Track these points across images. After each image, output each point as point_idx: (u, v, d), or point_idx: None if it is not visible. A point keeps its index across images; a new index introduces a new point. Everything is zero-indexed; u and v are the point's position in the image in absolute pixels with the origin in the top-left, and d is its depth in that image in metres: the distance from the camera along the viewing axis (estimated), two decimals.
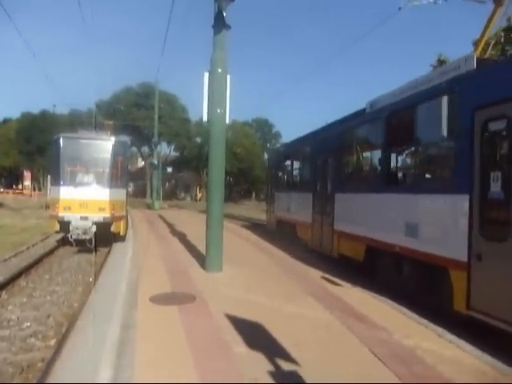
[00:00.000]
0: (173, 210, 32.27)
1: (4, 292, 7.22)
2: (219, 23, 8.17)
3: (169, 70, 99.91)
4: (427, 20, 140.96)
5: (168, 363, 3.80)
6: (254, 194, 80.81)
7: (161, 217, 22.75)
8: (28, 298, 7.09)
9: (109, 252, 10.91)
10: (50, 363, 4.09)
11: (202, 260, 8.58)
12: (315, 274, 8.21)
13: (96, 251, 11.28)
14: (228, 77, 8.30)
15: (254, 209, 44.14)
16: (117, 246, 11.43)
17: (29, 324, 5.75)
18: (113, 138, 12.58)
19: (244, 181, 73.52)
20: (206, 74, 8.25)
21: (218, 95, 8.13)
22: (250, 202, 71.98)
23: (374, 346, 4.32)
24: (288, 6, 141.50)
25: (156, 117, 35.23)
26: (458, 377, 3.59)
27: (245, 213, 33.27)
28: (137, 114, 52.85)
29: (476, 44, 18.43)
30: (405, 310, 5.76)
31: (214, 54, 8.24)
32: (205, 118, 8.37)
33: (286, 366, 3.76)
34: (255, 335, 4.53)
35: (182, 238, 12.99)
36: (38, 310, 6.43)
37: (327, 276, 7.97)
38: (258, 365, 3.75)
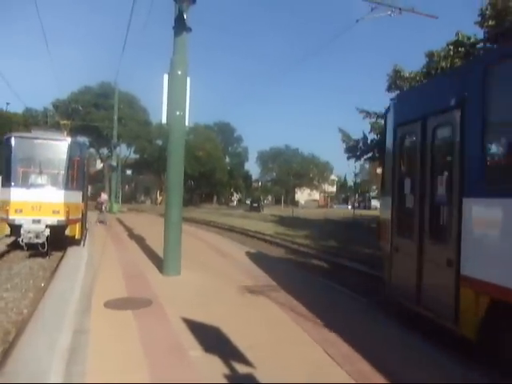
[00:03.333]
0: (131, 214, 31.70)
1: None
2: (180, 25, 8.13)
3: (130, 71, 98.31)
4: (386, 31, 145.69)
5: (122, 369, 3.72)
6: (215, 198, 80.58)
7: (119, 220, 22.30)
8: None
9: (63, 256, 10.55)
10: None
11: (159, 264, 8.46)
12: (274, 277, 8.26)
13: (49, 255, 10.88)
14: (188, 79, 8.27)
15: (215, 212, 44.04)
16: (72, 250, 11.08)
17: None
18: (69, 139, 12.21)
19: (206, 184, 73.16)
20: (166, 76, 8.18)
21: (177, 97, 8.08)
22: (211, 205, 71.74)
23: (326, 345, 4.40)
24: (253, 11, 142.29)
25: (115, 118, 34.45)
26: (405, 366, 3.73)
27: (205, 216, 33.13)
28: (96, 115, 51.53)
29: (428, 56, 19.36)
30: (358, 310, 5.91)
31: (174, 57, 8.19)
32: (164, 121, 8.28)
33: (240, 368, 3.77)
34: (211, 339, 4.51)
35: (140, 241, 12.76)
36: None
37: (285, 277, 8.07)
38: (214, 368, 3.74)
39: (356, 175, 71.30)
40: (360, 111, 22.77)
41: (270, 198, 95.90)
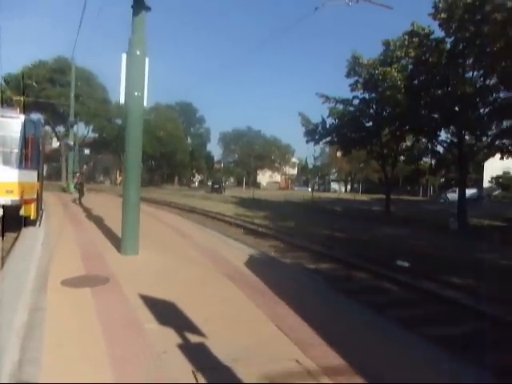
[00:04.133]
0: (90, 194, 30.87)
1: None
2: (138, 4, 8.05)
3: (88, 46, 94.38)
4: (348, 18, 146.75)
5: (78, 343, 3.87)
6: (176, 179, 79.82)
7: (76, 200, 21.81)
8: None
9: (18, 237, 10.36)
10: None
11: (118, 244, 8.50)
12: (231, 255, 8.54)
13: (3, 236, 10.65)
14: (147, 59, 8.23)
15: (176, 193, 43.80)
16: (27, 231, 10.88)
17: None
18: (22, 116, 11.82)
19: (167, 165, 72.27)
20: (124, 56, 8.09)
21: (136, 78, 8.03)
22: (172, 186, 71.06)
23: (277, 318, 4.72)
24: None
25: (72, 95, 33.29)
26: (340, 336, 4.11)
27: (165, 197, 32.98)
28: (51, 91, 49.33)
29: (385, 44, 19.93)
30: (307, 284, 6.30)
31: (133, 36, 8.11)
32: (122, 101, 8.21)
33: (194, 338, 4.02)
34: (167, 313, 4.72)
35: (99, 222, 12.68)
36: None
37: (242, 256, 8.38)
38: (168, 339, 3.96)
39: (316, 158, 72.65)
40: (320, 96, 23.25)
41: (232, 179, 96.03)
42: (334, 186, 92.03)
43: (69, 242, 9.26)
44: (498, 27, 13.34)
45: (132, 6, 8.13)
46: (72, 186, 31.13)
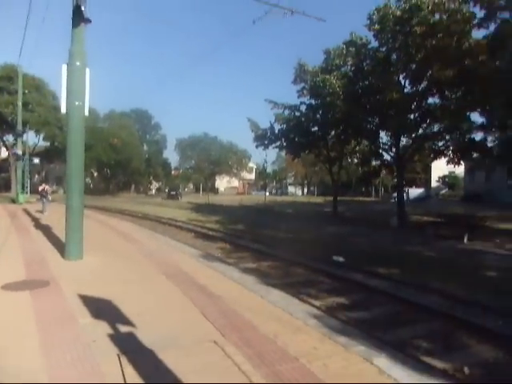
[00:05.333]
0: (40, 204, 30.23)
1: None
2: (77, 16, 8.33)
3: (37, 54, 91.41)
4: (293, 27, 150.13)
5: (11, 337, 4.19)
6: (133, 187, 78.67)
7: (25, 211, 21.44)
8: None
9: None
10: None
11: (63, 250, 8.71)
12: (176, 257, 8.93)
13: None
14: (87, 70, 8.51)
15: (131, 201, 43.37)
16: None
17: None
18: None
19: (122, 173, 71.12)
20: (64, 67, 8.35)
21: (76, 88, 8.31)
22: (128, 194, 70.08)
23: (206, 309, 5.20)
24: None
25: (19, 103, 32.30)
26: (259, 321, 4.65)
27: (120, 205, 32.72)
28: None
29: (326, 53, 20.99)
30: (240, 280, 6.83)
31: (72, 48, 8.37)
32: (63, 110, 8.47)
33: (124, 329, 4.42)
34: (103, 310, 5.08)
35: (46, 230, 12.70)
36: None
37: (187, 258, 8.81)
38: (99, 330, 4.34)
39: (273, 163, 73.71)
40: (269, 102, 24.03)
41: (191, 186, 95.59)
42: (291, 189, 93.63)
43: (13, 250, 9.33)
44: (419, 39, 14.57)
45: (72, 18, 8.42)
46: (21, 197, 30.29)
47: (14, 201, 31.57)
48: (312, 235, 15.68)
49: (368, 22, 17.73)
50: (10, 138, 54.45)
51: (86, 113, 8.58)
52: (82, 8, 8.28)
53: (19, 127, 32.84)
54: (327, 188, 69.52)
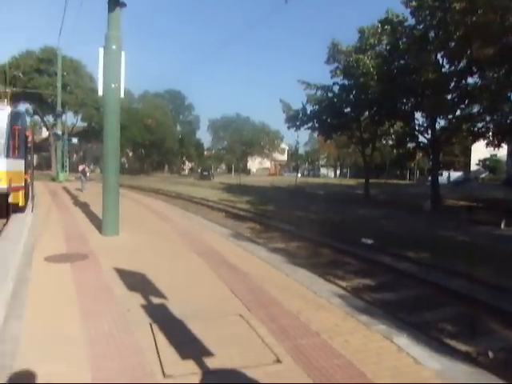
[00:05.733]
0: (79, 182, 31.41)
1: None
2: (113, 1, 8.55)
3: (75, 36, 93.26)
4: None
5: (56, 306, 4.53)
6: (166, 167, 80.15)
7: (65, 189, 22.35)
8: None
9: (6, 222, 10.94)
10: None
11: (100, 226, 9.15)
12: (207, 236, 9.21)
13: None
14: (123, 53, 8.75)
15: (164, 181, 44.29)
16: (16, 217, 11.44)
17: None
18: (8, 108, 12.34)
19: (156, 153, 72.50)
20: (101, 50, 8.62)
21: (112, 71, 8.57)
22: (162, 174, 71.52)
23: (234, 285, 5.42)
24: None
25: (59, 84, 33.44)
26: (284, 298, 4.83)
27: (154, 185, 33.52)
28: (39, 81, 49.19)
29: (360, 32, 20.48)
30: (268, 259, 7.01)
31: (109, 32, 8.62)
32: (100, 93, 8.78)
33: (156, 300, 4.70)
34: (136, 282, 5.38)
35: (84, 207, 13.28)
36: None
37: (217, 236, 9.07)
38: (133, 300, 4.64)
39: (304, 144, 73.06)
40: (301, 83, 23.80)
41: (223, 166, 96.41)
42: (323, 171, 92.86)
43: (55, 225, 9.88)
44: (458, 16, 13.98)
45: (107, 2, 8.64)
46: (61, 176, 31.55)
47: (54, 179, 32.94)
48: (342, 217, 15.67)
49: None
50: (50, 118, 56.52)
51: (122, 95, 8.85)
52: None
53: (59, 108, 34.03)
54: (360, 170, 68.52)
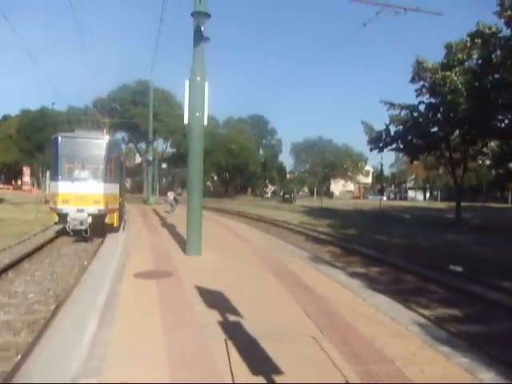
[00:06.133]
0: (167, 205, 33.38)
1: (10, 272, 8.36)
2: (198, 37, 9.23)
3: (166, 68, 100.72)
4: (405, 25, 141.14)
5: (141, 315, 4.93)
6: (249, 190, 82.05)
7: (154, 211, 23.86)
8: (31, 277, 8.23)
9: (102, 241, 12.01)
10: (49, 319, 5.23)
11: (184, 246, 9.67)
12: (285, 258, 9.31)
13: (91, 240, 12.39)
14: (206, 84, 9.37)
15: (247, 204, 45.30)
16: (110, 236, 12.53)
17: (32, 295, 6.89)
18: (107, 137, 13.69)
19: (240, 177, 74.69)
20: (187, 82, 9.30)
21: (197, 101, 9.19)
22: (245, 197, 73.26)
23: (308, 307, 5.43)
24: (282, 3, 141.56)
25: (151, 114, 36.22)
26: (359, 323, 4.73)
27: (237, 207, 34.45)
28: (133, 111, 53.85)
29: (447, 48, 19.64)
30: (346, 283, 6.90)
31: (194, 65, 9.29)
32: (186, 121, 9.41)
33: (232, 318, 4.87)
34: (215, 300, 5.62)
35: (171, 229, 14.09)
36: (39, 285, 7.58)
37: (295, 259, 9.14)
38: (211, 317, 4.86)
39: (390, 166, 70.40)
40: (384, 103, 23.26)
41: (306, 189, 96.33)
42: (411, 194, 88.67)
43: (143, 245, 10.64)
44: None
45: (193, 38, 9.35)
46: (151, 199, 33.79)
47: (145, 201, 35.35)
48: (428, 242, 14.85)
49: (498, 8, 16.14)
50: (143, 145, 61.19)
51: (205, 122, 9.43)
52: (202, 28, 9.16)
53: (150, 136, 36.78)
54: (452, 193, 64.38)
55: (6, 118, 73.58)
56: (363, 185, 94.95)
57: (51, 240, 12.74)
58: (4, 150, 66.10)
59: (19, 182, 71.66)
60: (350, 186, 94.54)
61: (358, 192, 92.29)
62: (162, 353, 3.84)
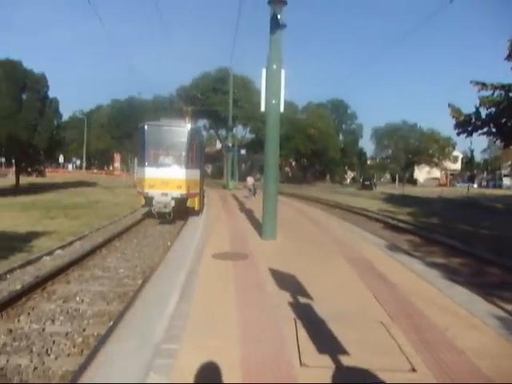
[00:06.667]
0: (246, 190, 34.25)
1: (104, 249, 9.30)
2: (274, 25, 9.33)
3: (245, 54, 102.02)
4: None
5: (218, 293, 5.28)
6: (328, 176, 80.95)
7: (233, 196, 24.65)
8: (121, 255, 9.09)
9: (184, 223, 12.78)
10: (137, 291, 5.81)
11: (260, 230, 9.99)
12: (360, 245, 9.25)
13: (174, 222, 13.24)
14: (283, 72, 9.47)
15: (325, 190, 44.89)
16: (191, 219, 13.28)
17: (123, 270, 7.64)
18: (189, 125, 14.42)
19: (319, 162, 73.94)
20: (264, 70, 9.48)
21: (273, 88, 9.35)
22: (324, 183, 72.48)
23: (379, 294, 5.43)
24: None
25: (230, 101, 37.10)
26: (431, 312, 4.66)
27: (314, 194, 34.33)
28: (214, 99, 55.38)
29: None
30: (421, 272, 6.73)
31: (270, 53, 9.43)
32: (262, 109, 9.61)
33: (303, 300, 5.04)
34: (287, 282, 5.81)
35: (249, 213, 14.52)
36: (128, 262, 8.37)
37: (370, 246, 9.06)
38: (282, 297, 5.07)
39: (482, 151, 65.29)
40: (475, 83, 21.56)
41: (387, 176, 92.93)
42: (507, 182, 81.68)
43: (222, 228, 11.15)
44: None
45: (269, 26, 9.47)
46: (231, 184, 34.86)
47: (224, 187, 36.56)
48: None
49: None
50: (223, 132, 62.89)
51: (281, 110, 9.56)
52: (278, 16, 9.24)
53: (230, 122, 37.73)
54: None
55: (98, 107, 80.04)
56: (451, 171, 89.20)
57: (138, 221, 13.82)
58: (97, 137, 72.13)
59: (110, 168, 77.83)
60: (436, 173, 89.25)
61: (445, 179, 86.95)
62: (235, 326, 4.13)
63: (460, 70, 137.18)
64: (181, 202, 13.21)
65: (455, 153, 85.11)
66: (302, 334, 3.97)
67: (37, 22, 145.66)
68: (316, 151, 67.20)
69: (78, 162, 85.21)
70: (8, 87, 27.21)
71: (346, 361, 3.43)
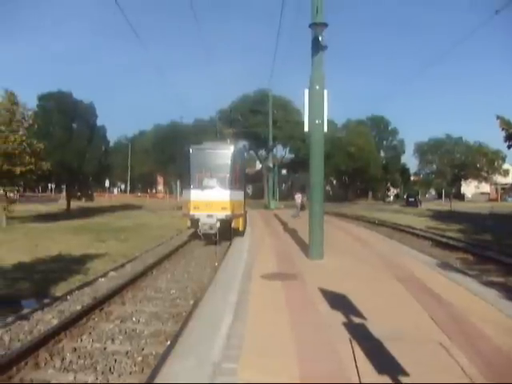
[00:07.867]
0: (288, 210, 34.20)
1: (155, 270, 9.58)
2: (316, 47, 9.51)
3: (282, 75, 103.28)
4: None
5: (269, 313, 5.34)
6: (370, 193, 79.49)
7: (275, 216, 24.67)
8: (171, 275, 9.33)
9: (230, 244, 12.95)
10: (190, 312, 5.95)
11: (306, 251, 9.98)
12: (410, 264, 9.04)
13: (220, 243, 13.44)
14: (325, 92, 9.56)
15: (368, 208, 44.10)
16: (236, 240, 13.44)
17: (174, 291, 7.84)
18: (232, 147, 14.73)
19: (360, 180, 72.93)
20: (306, 91, 9.62)
21: (316, 108, 9.45)
22: (366, 201, 71.28)
23: (435, 313, 5.29)
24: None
25: (270, 122, 37.56)
26: (493, 333, 4.49)
27: (357, 212, 33.86)
28: (253, 120, 56.33)
29: None
30: (479, 291, 6.49)
31: (313, 74, 9.57)
32: (306, 129, 9.72)
33: (355, 319, 5.00)
34: (338, 301, 5.77)
35: (292, 233, 14.54)
36: (178, 283, 8.58)
37: (420, 264, 8.83)
38: (334, 317, 5.05)
39: None
40: None
41: (432, 191, 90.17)
42: None
43: (267, 248, 11.22)
44: None
45: (311, 48, 9.65)
46: (272, 204, 34.98)
47: (266, 207, 36.70)
48: None
49: None
50: (262, 152, 63.58)
51: (325, 129, 9.62)
52: (320, 38, 9.41)
53: (270, 143, 38.10)
54: None
55: (142, 133, 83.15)
56: (501, 185, 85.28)
57: (185, 243, 14.14)
58: (141, 162, 74.74)
59: (154, 190, 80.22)
60: (485, 188, 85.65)
61: (496, 193, 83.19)
62: (290, 346, 4.16)
63: (507, 81, 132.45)
64: (226, 223, 13.42)
65: (505, 166, 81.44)
66: (359, 353, 3.95)
67: (84, 51, 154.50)
68: (357, 169, 66.38)
69: (123, 186, 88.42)
70: (59, 118, 28.88)
71: (406, 381, 3.38)
